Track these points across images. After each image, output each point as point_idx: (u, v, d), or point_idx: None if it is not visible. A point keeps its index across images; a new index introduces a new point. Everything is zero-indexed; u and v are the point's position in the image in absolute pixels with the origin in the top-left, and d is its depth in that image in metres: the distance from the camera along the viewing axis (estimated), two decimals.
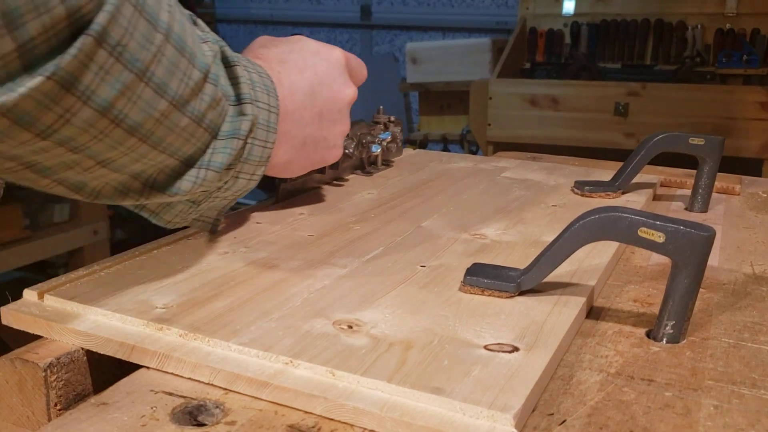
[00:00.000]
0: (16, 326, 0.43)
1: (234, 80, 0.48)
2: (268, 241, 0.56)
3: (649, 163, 0.70)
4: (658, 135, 0.68)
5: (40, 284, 0.45)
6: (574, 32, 2.66)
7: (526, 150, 0.98)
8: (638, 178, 0.72)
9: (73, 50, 0.34)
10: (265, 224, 0.60)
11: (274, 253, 0.53)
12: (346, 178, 0.76)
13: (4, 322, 0.43)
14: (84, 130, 0.37)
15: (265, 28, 3.89)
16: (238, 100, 0.47)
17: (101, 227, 2.29)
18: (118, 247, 2.33)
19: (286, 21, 3.86)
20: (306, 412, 0.35)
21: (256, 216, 0.62)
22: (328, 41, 0.61)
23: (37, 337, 0.42)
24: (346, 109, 0.60)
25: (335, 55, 0.58)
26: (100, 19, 0.34)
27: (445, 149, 2.96)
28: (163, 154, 0.43)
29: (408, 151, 0.91)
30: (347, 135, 0.64)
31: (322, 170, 0.68)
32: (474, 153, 2.77)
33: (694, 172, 0.71)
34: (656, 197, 0.76)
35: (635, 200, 0.70)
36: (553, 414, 0.35)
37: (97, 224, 2.28)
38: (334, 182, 0.74)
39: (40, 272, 2.21)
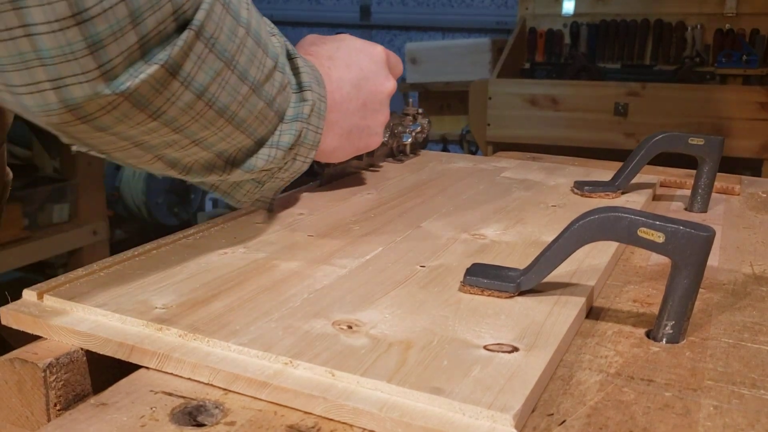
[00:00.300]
0: (15, 326, 0.43)
1: (295, 70, 0.54)
2: (268, 241, 0.56)
3: (649, 163, 0.70)
4: (658, 135, 0.68)
5: (39, 284, 0.45)
6: (573, 32, 2.66)
7: (526, 150, 0.98)
8: (638, 179, 0.72)
9: (179, 42, 0.40)
10: (265, 224, 0.60)
11: (274, 254, 0.53)
12: (380, 164, 0.82)
13: (3, 322, 0.43)
14: (184, 111, 0.43)
15: None
16: (300, 87, 0.54)
17: (101, 227, 2.29)
18: (117, 247, 2.33)
19: (285, 21, 3.85)
20: (305, 413, 0.35)
21: (256, 216, 0.62)
22: None
23: (38, 337, 0.42)
24: (386, 100, 0.66)
25: (377, 51, 0.64)
26: (199, 15, 0.41)
27: (445, 149, 2.96)
28: (243, 135, 0.49)
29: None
30: None
31: (359, 157, 0.74)
32: (474, 153, 2.77)
33: (693, 172, 0.71)
34: (656, 197, 0.76)
35: (635, 200, 0.70)
36: (552, 414, 0.35)
37: (97, 224, 2.28)
38: (370, 168, 0.80)
39: (40, 272, 2.21)
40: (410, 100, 0.86)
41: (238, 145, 0.50)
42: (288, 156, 0.54)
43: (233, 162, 0.51)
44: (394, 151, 0.84)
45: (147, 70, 0.39)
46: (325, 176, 0.72)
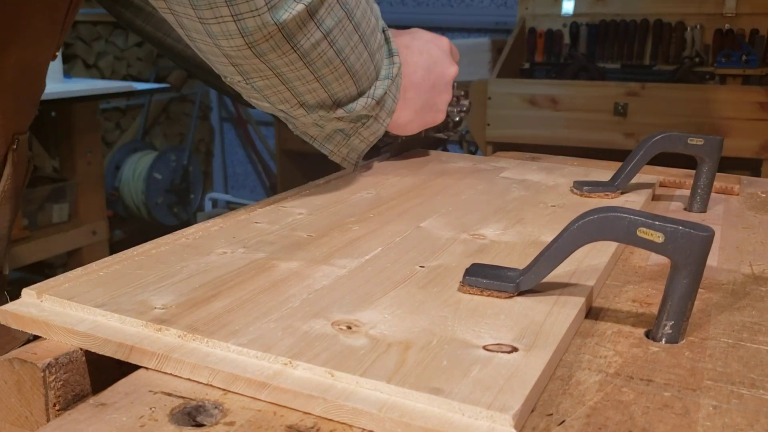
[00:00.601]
0: (14, 326, 0.43)
1: (387, 39, 0.67)
2: (267, 241, 0.56)
3: (648, 163, 0.70)
4: (657, 135, 0.68)
5: (38, 284, 0.45)
6: (573, 32, 2.66)
7: (525, 150, 0.98)
8: (637, 179, 0.72)
9: None
10: (264, 224, 0.60)
11: (273, 254, 0.53)
12: (432, 137, 0.93)
13: (2, 322, 0.43)
14: (314, 47, 0.56)
15: None
16: (390, 53, 0.67)
17: (100, 228, 2.29)
18: (116, 247, 2.33)
19: None
20: (305, 413, 0.35)
21: (255, 216, 0.62)
22: None
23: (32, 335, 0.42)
24: (450, 83, 0.78)
25: (443, 42, 0.78)
26: None
27: (444, 149, 2.96)
28: (350, 80, 0.62)
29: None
30: None
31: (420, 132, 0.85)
32: (473, 153, 2.77)
33: (693, 172, 0.71)
34: (655, 197, 0.76)
35: (634, 200, 0.70)
36: (552, 414, 0.35)
37: (96, 224, 2.28)
38: (427, 135, 0.92)
39: (39, 272, 2.22)
40: (455, 83, 0.92)
41: (345, 90, 0.62)
42: (374, 110, 0.67)
43: (338, 103, 0.64)
44: (441, 126, 0.92)
45: (296, 7, 0.52)
46: (396, 146, 0.86)
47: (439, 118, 0.79)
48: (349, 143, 0.70)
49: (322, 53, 0.57)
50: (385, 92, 0.66)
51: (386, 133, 0.73)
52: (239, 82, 0.59)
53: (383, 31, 0.66)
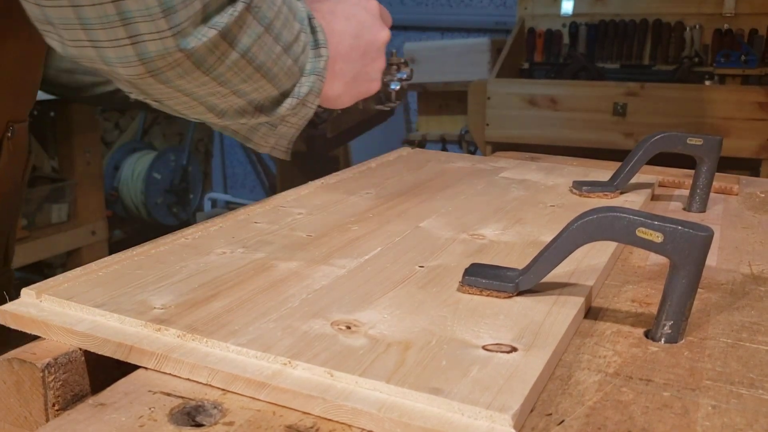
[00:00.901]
0: (13, 326, 0.43)
1: (313, 29, 0.62)
2: (267, 241, 0.56)
3: (648, 163, 0.70)
4: (657, 135, 0.68)
5: (37, 284, 0.45)
6: (572, 32, 2.66)
7: (525, 150, 0.98)
8: (636, 178, 0.73)
9: (234, 12, 0.48)
10: (264, 224, 0.60)
11: (273, 254, 0.53)
12: (373, 109, 0.87)
13: (1, 322, 0.43)
14: (230, 68, 0.51)
15: None
16: (316, 45, 0.61)
17: (99, 228, 2.29)
18: (116, 247, 2.32)
19: None
20: (304, 413, 0.35)
21: (255, 216, 0.62)
22: None
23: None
24: (382, 48, 0.72)
25: (372, 5, 0.72)
26: None
27: (444, 149, 2.96)
28: (273, 87, 0.57)
29: (406, 150, 0.91)
30: None
31: (356, 104, 0.80)
32: (472, 153, 2.77)
33: (692, 172, 0.71)
34: (654, 197, 0.76)
35: (633, 200, 0.70)
36: (551, 414, 0.35)
37: (95, 224, 2.28)
38: (363, 108, 0.86)
39: (38, 273, 2.21)
40: (393, 51, 0.89)
41: (266, 96, 0.58)
42: (300, 102, 0.62)
43: (261, 109, 0.59)
44: (382, 98, 0.88)
45: (208, 34, 0.47)
46: (333, 122, 0.82)
47: (374, 87, 0.74)
48: (277, 132, 0.65)
49: (239, 71, 0.52)
50: (311, 88, 0.61)
51: (318, 107, 0.68)
52: (145, 98, 0.53)
53: (310, 20, 0.61)
